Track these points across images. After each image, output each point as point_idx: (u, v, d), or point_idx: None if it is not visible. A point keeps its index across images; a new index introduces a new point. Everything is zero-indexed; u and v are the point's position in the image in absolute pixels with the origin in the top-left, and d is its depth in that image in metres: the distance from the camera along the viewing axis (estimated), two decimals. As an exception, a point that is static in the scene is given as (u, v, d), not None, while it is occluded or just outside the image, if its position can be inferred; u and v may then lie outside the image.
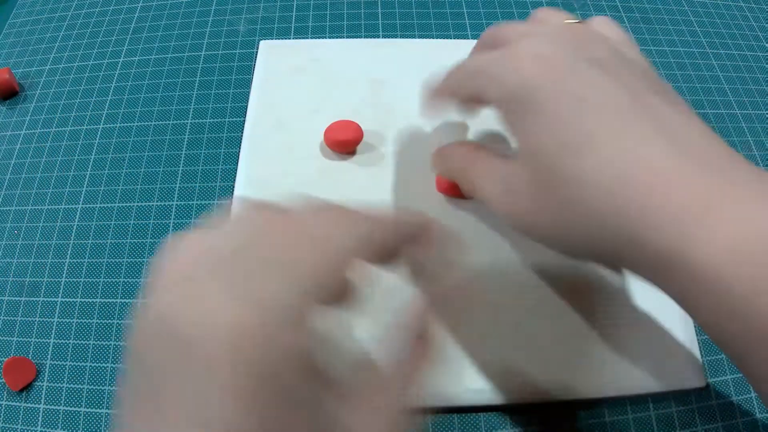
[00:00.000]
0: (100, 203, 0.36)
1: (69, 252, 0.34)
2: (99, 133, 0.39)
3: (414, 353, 0.21)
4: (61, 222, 0.35)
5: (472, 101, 0.25)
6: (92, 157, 0.38)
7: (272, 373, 0.15)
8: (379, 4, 0.46)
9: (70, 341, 0.31)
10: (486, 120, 0.32)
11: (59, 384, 0.30)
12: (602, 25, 0.25)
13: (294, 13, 0.45)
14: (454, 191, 0.33)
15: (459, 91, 0.26)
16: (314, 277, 0.16)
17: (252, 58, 0.42)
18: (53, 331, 0.31)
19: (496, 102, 0.23)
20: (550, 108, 0.20)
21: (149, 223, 0.35)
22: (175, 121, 0.39)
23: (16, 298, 0.32)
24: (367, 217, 0.20)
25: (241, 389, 0.14)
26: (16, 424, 0.29)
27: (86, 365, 0.30)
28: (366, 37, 0.44)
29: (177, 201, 0.36)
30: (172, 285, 0.16)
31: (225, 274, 0.16)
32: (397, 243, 0.21)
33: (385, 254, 0.20)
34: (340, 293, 0.19)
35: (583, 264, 0.32)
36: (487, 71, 0.23)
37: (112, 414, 0.29)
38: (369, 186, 0.35)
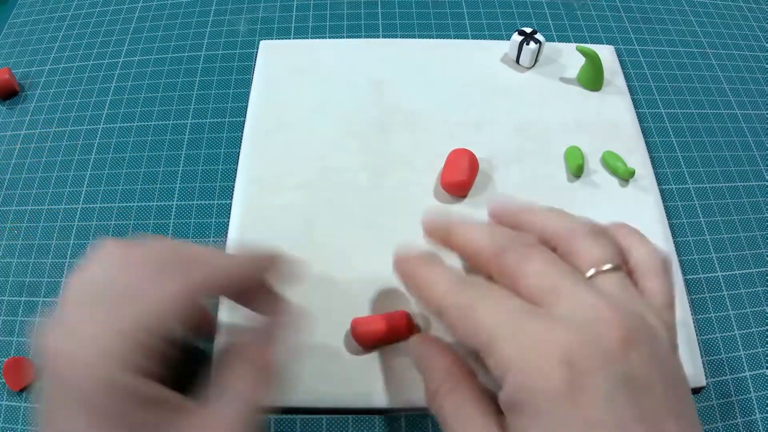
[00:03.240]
0: (100, 203, 0.36)
1: (69, 252, 0.34)
2: (99, 133, 0.39)
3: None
4: (61, 222, 0.35)
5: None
6: (92, 157, 0.38)
7: (98, 401, 0.17)
8: (379, 4, 0.46)
9: (70, 341, 0.31)
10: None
11: (59, 384, 0.30)
12: (645, 258, 0.21)
13: (294, 13, 0.45)
14: (457, 190, 0.33)
15: (450, 295, 0.21)
16: (156, 313, 0.19)
17: (252, 58, 0.42)
18: (53, 331, 0.31)
19: (492, 369, 0.19)
20: (552, 426, 0.17)
21: (149, 223, 0.35)
22: (175, 121, 0.39)
23: (16, 298, 0.32)
24: (218, 255, 0.22)
25: (72, 414, 0.17)
26: (16, 424, 0.29)
27: (86, 365, 0.30)
28: (366, 37, 0.44)
29: (177, 201, 0.36)
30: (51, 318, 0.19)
31: (73, 309, 0.19)
32: (248, 279, 0.23)
33: (238, 290, 0.23)
34: (192, 325, 0.21)
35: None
36: (494, 333, 0.19)
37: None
38: (369, 186, 0.35)
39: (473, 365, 0.22)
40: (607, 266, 0.20)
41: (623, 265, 0.21)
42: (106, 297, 0.19)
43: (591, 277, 0.20)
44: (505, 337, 0.19)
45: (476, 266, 0.22)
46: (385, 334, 0.28)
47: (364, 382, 0.28)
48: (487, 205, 0.25)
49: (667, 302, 0.21)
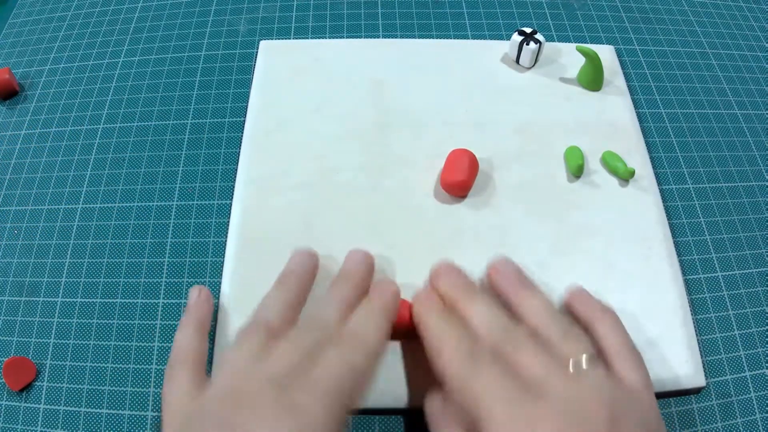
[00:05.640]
0: (100, 203, 0.36)
1: (69, 252, 0.34)
2: (99, 133, 0.39)
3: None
4: (61, 222, 0.35)
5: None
6: (92, 157, 0.38)
7: None
8: (379, 4, 0.46)
9: (70, 341, 0.31)
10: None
11: (59, 384, 0.30)
12: (619, 356, 0.24)
13: (294, 13, 0.45)
14: (457, 190, 0.33)
15: (455, 363, 0.24)
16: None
17: (252, 58, 0.42)
18: (53, 331, 0.31)
19: None
20: None
21: (149, 223, 0.35)
22: (175, 121, 0.39)
23: (16, 298, 0.32)
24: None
25: None
26: (16, 424, 0.29)
27: (86, 365, 0.30)
28: (366, 37, 0.44)
29: (177, 201, 0.36)
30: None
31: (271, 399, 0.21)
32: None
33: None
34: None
35: (579, 265, 0.32)
36: (491, 410, 0.21)
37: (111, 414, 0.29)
38: (369, 186, 0.35)
39: None
40: (587, 358, 0.23)
41: (598, 354, 0.24)
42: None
43: (575, 366, 0.23)
44: (499, 418, 0.21)
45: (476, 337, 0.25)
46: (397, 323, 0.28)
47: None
48: (487, 269, 0.29)
49: (643, 382, 0.23)
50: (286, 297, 0.26)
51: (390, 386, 0.28)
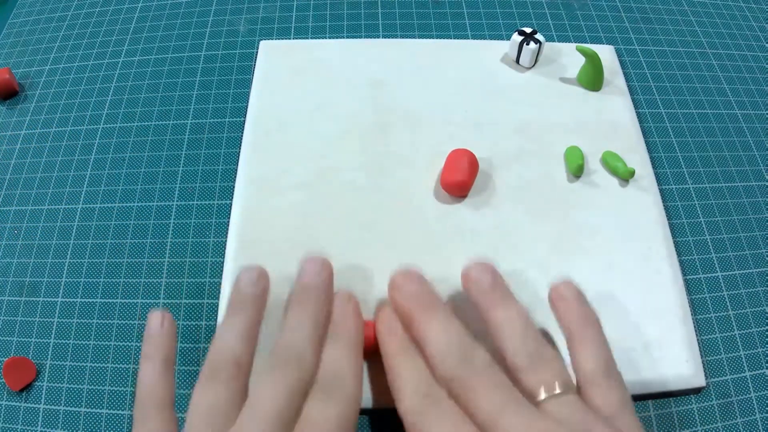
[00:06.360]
0: (100, 203, 0.36)
1: (69, 252, 0.34)
2: (99, 133, 0.39)
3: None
4: (61, 222, 0.35)
5: None
6: (92, 157, 0.38)
7: None
8: (379, 4, 0.46)
9: (70, 341, 0.31)
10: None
11: (59, 384, 0.30)
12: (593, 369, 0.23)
13: (294, 13, 0.45)
14: (457, 190, 0.33)
15: (412, 401, 0.23)
16: None
17: (252, 58, 0.42)
18: (53, 331, 0.31)
19: None
20: None
21: (149, 223, 0.35)
22: (175, 121, 0.39)
23: (16, 298, 0.32)
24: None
25: None
26: (16, 424, 0.29)
27: (86, 365, 0.30)
28: (366, 37, 0.44)
29: (177, 201, 0.36)
30: None
31: None
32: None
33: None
34: None
35: (579, 265, 0.32)
36: None
37: (112, 414, 0.29)
38: (369, 186, 0.35)
39: None
40: (557, 390, 0.22)
41: (571, 383, 0.23)
42: None
43: (543, 401, 0.22)
44: None
45: (432, 368, 0.24)
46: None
47: (364, 383, 0.28)
48: (461, 276, 0.27)
49: (620, 403, 0.22)
50: (240, 326, 0.24)
51: None
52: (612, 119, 0.38)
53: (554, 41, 0.43)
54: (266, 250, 0.32)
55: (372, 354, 0.27)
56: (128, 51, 0.43)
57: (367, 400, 0.28)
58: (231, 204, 0.35)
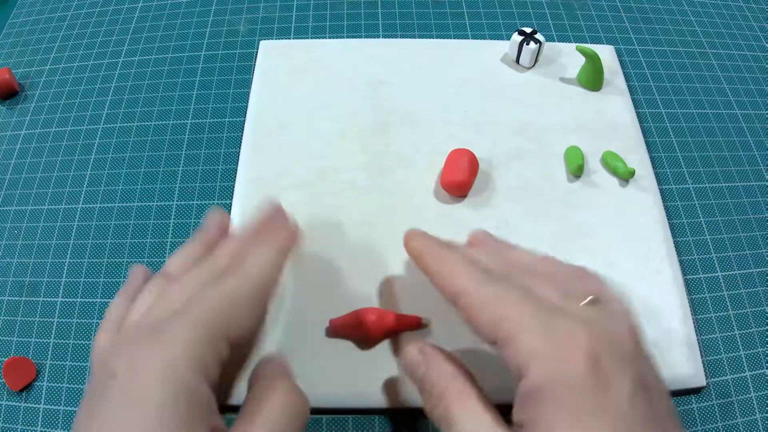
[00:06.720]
0: (100, 203, 0.36)
1: (69, 252, 0.34)
2: (99, 133, 0.39)
3: None
4: (61, 222, 0.35)
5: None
6: (92, 157, 0.38)
7: (180, 409, 0.18)
8: (379, 4, 0.46)
9: (70, 341, 0.31)
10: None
11: (59, 384, 0.30)
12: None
13: (294, 13, 0.45)
14: (457, 190, 0.33)
15: (472, 287, 0.23)
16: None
17: (252, 58, 0.42)
18: (53, 331, 0.31)
19: (508, 358, 0.21)
20: (579, 414, 0.19)
21: (149, 223, 0.35)
22: (175, 121, 0.39)
23: (16, 298, 0.32)
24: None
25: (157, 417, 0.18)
26: (16, 424, 0.29)
27: (86, 365, 0.30)
28: (366, 37, 0.44)
29: (177, 201, 0.36)
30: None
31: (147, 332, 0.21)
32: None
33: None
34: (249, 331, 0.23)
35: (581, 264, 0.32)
36: (519, 324, 0.21)
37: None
38: (369, 186, 0.35)
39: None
40: (591, 297, 0.23)
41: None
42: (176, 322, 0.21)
43: (590, 301, 0.23)
44: (531, 328, 0.20)
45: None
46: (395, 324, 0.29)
47: (364, 382, 0.28)
48: (468, 243, 0.29)
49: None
50: (188, 252, 0.26)
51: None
52: (612, 119, 0.38)
53: (554, 41, 0.43)
54: (266, 250, 0.32)
55: (377, 340, 0.28)
56: (128, 51, 0.43)
57: (378, 400, 0.28)
58: (231, 204, 0.34)
